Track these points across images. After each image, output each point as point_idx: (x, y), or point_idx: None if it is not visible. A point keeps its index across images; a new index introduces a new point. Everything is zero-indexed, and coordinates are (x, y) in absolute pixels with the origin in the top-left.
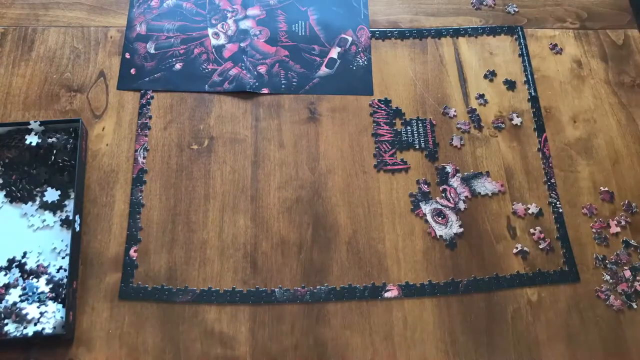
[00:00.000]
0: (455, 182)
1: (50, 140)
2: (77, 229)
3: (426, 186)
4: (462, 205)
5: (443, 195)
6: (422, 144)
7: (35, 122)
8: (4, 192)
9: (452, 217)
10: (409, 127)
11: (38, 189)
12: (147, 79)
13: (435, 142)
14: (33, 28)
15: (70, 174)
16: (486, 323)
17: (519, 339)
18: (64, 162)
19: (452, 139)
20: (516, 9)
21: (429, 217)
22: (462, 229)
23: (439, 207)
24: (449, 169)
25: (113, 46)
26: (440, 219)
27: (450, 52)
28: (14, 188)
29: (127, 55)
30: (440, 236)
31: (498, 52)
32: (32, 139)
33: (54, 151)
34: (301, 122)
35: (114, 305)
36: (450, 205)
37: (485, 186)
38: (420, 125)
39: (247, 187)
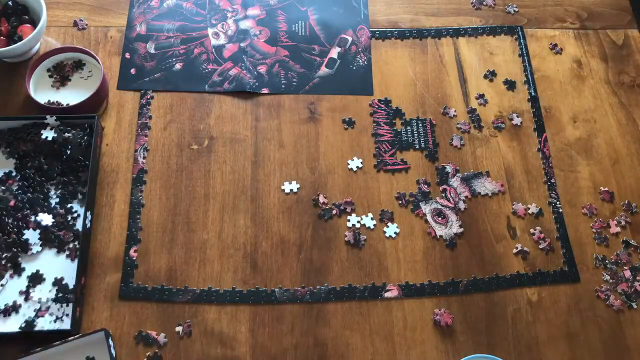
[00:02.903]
0: (455, 182)
1: (65, 135)
2: (88, 225)
3: (426, 186)
4: (462, 205)
5: (443, 195)
6: (422, 144)
7: (51, 117)
8: (16, 186)
9: (452, 217)
10: (409, 127)
11: (52, 182)
12: (147, 79)
13: (435, 142)
14: None
15: (84, 171)
16: (486, 323)
17: (519, 339)
18: (77, 160)
19: (452, 139)
20: (516, 9)
21: (429, 217)
22: (462, 229)
23: (439, 207)
24: (449, 169)
25: (113, 46)
26: (440, 219)
27: (450, 52)
28: (25, 182)
29: (127, 55)
30: (440, 236)
31: (498, 52)
32: (48, 134)
33: (69, 146)
34: (301, 122)
35: (114, 305)
36: (450, 205)
37: (485, 186)
38: (420, 125)
39: (247, 187)
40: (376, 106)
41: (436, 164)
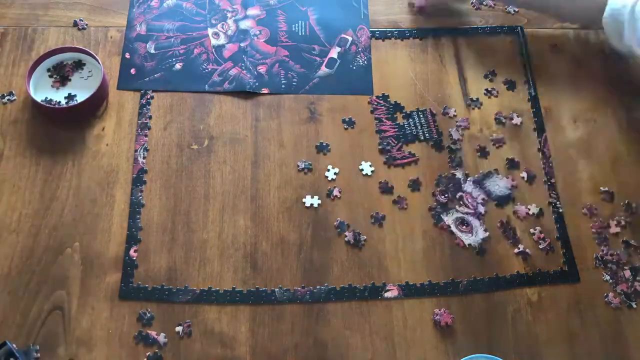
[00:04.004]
0: (468, 186)
1: None
2: None
3: (443, 197)
4: (481, 209)
5: (461, 202)
6: (427, 135)
7: None
8: None
9: (476, 222)
10: (410, 120)
11: None
12: (147, 79)
13: (439, 131)
14: (33, 28)
15: None
16: (486, 323)
17: (519, 339)
18: None
19: (451, 133)
20: (516, 9)
21: (453, 228)
22: (487, 233)
23: (461, 215)
24: (459, 175)
25: (113, 46)
26: (464, 227)
27: (450, 52)
28: None
29: (127, 55)
30: (469, 244)
31: (498, 52)
32: None
33: None
34: (301, 122)
35: (114, 305)
36: (470, 211)
37: (498, 184)
38: (421, 116)
39: (247, 187)
40: (375, 103)
41: (446, 172)
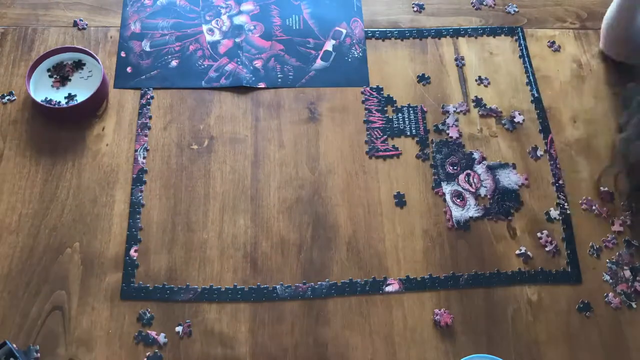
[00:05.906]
0: (480, 168)
1: None
2: None
3: (452, 167)
4: (482, 192)
5: (466, 179)
6: (414, 131)
7: None
8: None
9: (471, 201)
10: (400, 114)
11: None
12: (144, 76)
13: (426, 129)
14: (33, 28)
15: None
16: (486, 323)
17: (519, 339)
18: None
19: (446, 120)
20: (516, 9)
21: (447, 197)
22: (478, 214)
23: (460, 189)
24: (476, 155)
25: (113, 46)
26: (459, 200)
27: (450, 52)
28: None
29: (123, 54)
30: (455, 217)
31: (498, 52)
32: None
33: None
34: (301, 122)
35: (114, 305)
36: (471, 190)
37: (509, 178)
38: (411, 112)
39: (247, 187)
40: (368, 93)
41: (451, 158)
